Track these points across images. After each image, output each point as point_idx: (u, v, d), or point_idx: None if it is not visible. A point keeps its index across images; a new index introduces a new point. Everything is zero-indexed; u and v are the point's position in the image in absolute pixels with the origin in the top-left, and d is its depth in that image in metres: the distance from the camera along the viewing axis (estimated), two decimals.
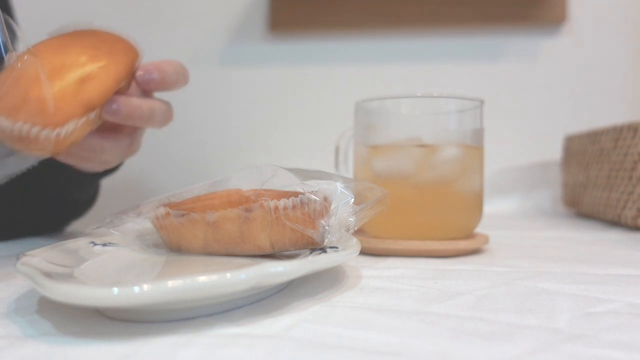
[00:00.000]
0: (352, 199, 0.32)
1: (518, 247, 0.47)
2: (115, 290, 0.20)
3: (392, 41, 0.96)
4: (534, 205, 0.86)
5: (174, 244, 0.33)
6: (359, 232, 0.40)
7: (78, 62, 0.34)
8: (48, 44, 0.35)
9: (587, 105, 0.92)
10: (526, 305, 0.26)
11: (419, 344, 0.21)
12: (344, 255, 0.29)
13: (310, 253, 0.29)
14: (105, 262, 0.31)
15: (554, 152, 0.87)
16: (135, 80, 0.39)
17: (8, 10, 0.60)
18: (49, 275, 0.23)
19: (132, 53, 0.39)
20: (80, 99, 0.33)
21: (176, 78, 0.41)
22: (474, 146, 0.44)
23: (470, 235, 0.44)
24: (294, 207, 0.29)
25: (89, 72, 0.34)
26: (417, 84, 0.95)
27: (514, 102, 0.93)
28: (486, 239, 0.44)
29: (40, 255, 0.27)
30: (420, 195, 0.42)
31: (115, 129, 0.42)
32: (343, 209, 0.31)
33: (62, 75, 0.33)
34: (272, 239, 0.30)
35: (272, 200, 0.29)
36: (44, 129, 0.32)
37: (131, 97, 0.38)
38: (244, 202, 0.30)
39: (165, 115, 0.42)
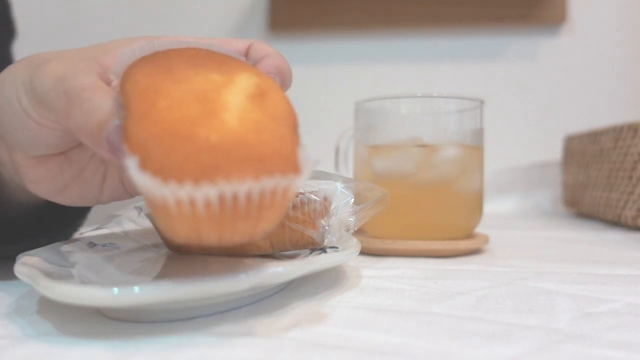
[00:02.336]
0: (352, 199, 0.32)
1: (518, 247, 0.47)
2: (115, 290, 0.20)
3: (392, 41, 0.96)
4: (534, 205, 0.86)
5: (174, 244, 0.33)
6: (359, 232, 0.40)
7: (217, 81, 0.23)
8: (143, 73, 0.23)
9: (587, 105, 0.92)
10: (526, 305, 0.26)
11: (419, 344, 0.21)
12: (344, 255, 0.29)
13: (310, 253, 0.29)
14: (105, 262, 0.30)
15: (554, 152, 0.87)
16: None
17: (6, 6, 0.59)
18: (48, 275, 0.23)
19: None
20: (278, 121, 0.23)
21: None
22: (474, 146, 0.44)
23: (470, 235, 0.44)
24: (294, 207, 0.29)
25: (253, 84, 0.23)
26: (417, 84, 0.95)
27: (514, 102, 0.93)
28: (486, 239, 0.44)
29: (40, 255, 0.27)
30: (420, 195, 0.42)
31: None
32: (343, 209, 0.31)
33: (213, 101, 0.22)
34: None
35: None
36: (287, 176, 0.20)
37: None
38: None
39: None
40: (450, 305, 0.26)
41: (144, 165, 0.19)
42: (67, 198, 0.31)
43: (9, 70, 0.28)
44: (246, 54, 0.30)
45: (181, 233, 0.20)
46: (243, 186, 0.19)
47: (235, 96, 0.22)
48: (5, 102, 0.27)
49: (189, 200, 0.19)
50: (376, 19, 0.95)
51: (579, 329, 0.23)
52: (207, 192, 0.19)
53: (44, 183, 0.29)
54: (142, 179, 0.19)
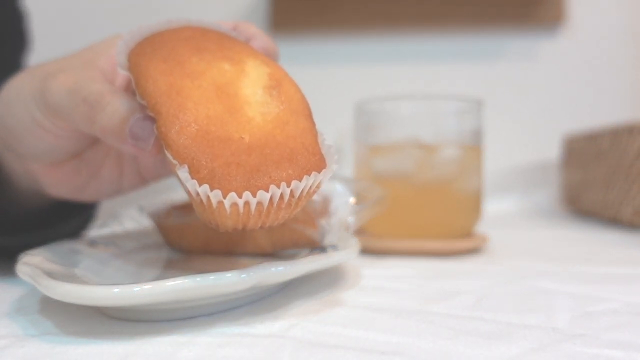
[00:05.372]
0: (352, 199, 0.32)
1: (518, 247, 0.47)
2: (116, 289, 0.20)
3: (392, 41, 0.96)
4: (534, 205, 0.86)
5: (174, 243, 0.33)
6: (359, 231, 0.40)
7: (227, 70, 0.24)
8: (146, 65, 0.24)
9: (587, 105, 0.92)
10: (526, 305, 0.26)
11: (419, 344, 0.21)
12: (344, 255, 0.29)
13: (310, 253, 0.30)
14: (105, 261, 0.31)
15: (554, 152, 0.87)
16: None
17: (20, 17, 0.59)
18: (50, 274, 0.23)
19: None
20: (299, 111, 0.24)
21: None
22: (474, 146, 0.44)
23: (470, 235, 0.45)
24: None
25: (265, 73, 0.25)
26: (417, 84, 0.95)
27: (513, 102, 0.93)
28: (486, 239, 0.44)
29: (41, 255, 0.27)
30: (420, 195, 0.42)
31: None
32: (343, 209, 0.31)
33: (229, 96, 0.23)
34: (272, 239, 0.30)
35: None
36: (320, 172, 0.22)
37: None
38: None
39: None
40: (450, 305, 0.26)
41: (195, 173, 0.20)
42: (89, 195, 0.31)
43: (12, 85, 0.28)
44: None
45: (228, 225, 0.21)
46: (288, 188, 0.21)
47: (252, 89, 0.24)
48: (15, 119, 0.27)
49: (244, 202, 0.21)
50: (376, 19, 0.95)
51: (578, 329, 0.23)
52: (260, 196, 0.21)
53: (63, 186, 0.30)
54: (194, 186, 0.20)
